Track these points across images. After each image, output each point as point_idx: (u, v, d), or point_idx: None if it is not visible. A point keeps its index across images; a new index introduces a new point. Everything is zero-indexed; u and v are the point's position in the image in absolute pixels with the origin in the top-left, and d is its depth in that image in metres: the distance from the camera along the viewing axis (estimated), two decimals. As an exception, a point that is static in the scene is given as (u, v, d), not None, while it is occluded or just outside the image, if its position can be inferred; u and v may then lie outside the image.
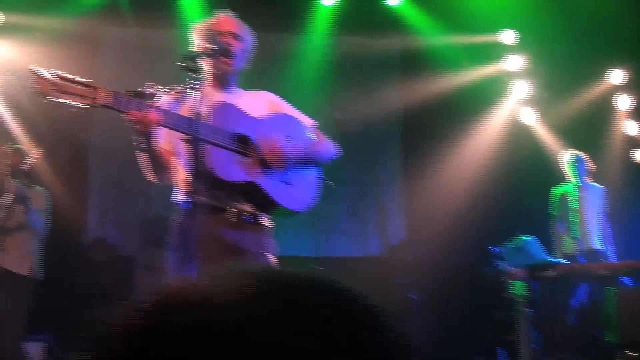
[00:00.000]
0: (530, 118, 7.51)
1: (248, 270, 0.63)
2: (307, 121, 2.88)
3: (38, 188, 4.55)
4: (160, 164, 2.62)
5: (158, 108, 2.41)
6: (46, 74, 2.14)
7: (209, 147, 2.44)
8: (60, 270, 5.87)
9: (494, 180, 6.95)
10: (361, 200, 7.56)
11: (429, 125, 7.45)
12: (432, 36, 7.59)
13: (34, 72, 2.15)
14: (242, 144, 2.59)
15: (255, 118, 2.69)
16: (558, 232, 5.91)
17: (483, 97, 7.54)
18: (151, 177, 2.67)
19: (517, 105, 7.58)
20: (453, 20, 7.51)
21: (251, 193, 2.56)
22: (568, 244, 5.77)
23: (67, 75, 2.21)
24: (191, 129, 2.33)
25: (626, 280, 5.42)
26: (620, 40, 7.02)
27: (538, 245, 5.14)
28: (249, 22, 7.43)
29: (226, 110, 2.60)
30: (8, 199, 4.49)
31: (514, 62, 7.53)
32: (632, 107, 7.44)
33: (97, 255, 6.86)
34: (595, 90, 7.31)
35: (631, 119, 7.42)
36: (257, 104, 2.80)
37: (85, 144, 7.24)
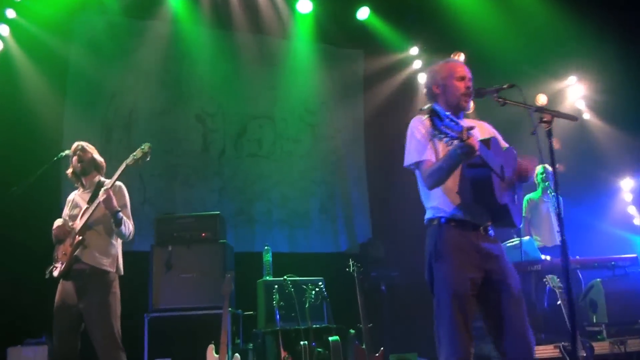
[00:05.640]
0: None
1: None
2: None
3: (117, 184, 4.41)
4: (447, 178, 3.00)
5: (476, 140, 2.75)
6: (441, 113, 2.50)
7: (489, 173, 2.88)
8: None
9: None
10: (330, 200, 8.02)
11: (387, 130, 8.12)
12: (395, 50, 8.29)
13: (433, 112, 2.47)
14: (501, 172, 3.04)
15: (501, 149, 3.16)
16: (526, 232, 6.89)
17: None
18: (433, 183, 3.03)
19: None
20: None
21: (500, 213, 3.03)
22: (536, 242, 6.74)
23: (450, 116, 2.58)
24: (488, 160, 2.83)
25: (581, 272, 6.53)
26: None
27: (534, 245, 6.02)
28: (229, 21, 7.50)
29: (495, 142, 3.06)
30: (88, 196, 4.37)
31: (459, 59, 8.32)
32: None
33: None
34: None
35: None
36: (487, 134, 3.27)
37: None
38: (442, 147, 3.04)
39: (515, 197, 3.22)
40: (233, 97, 7.81)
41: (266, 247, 6.24)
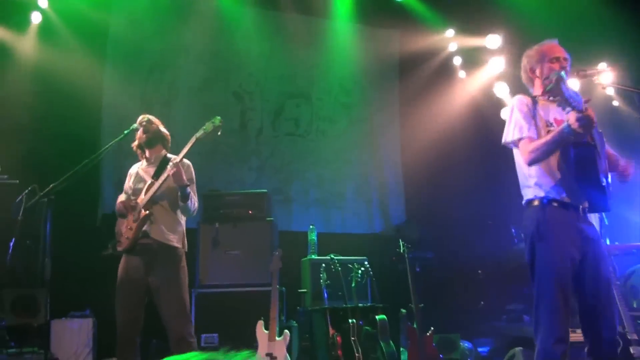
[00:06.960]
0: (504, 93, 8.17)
1: None
2: None
3: (184, 161, 4.38)
4: (551, 154, 3.00)
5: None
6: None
7: (595, 152, 2.89)
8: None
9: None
10: (365, 181, 8.01)
11: (423, 112, 8.11)
12: (431, 31, 8.21)
13: (561, 78, 2.48)
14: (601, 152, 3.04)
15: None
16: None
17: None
18: (535, 158, 3.01)
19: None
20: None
21: (599, 195, 3.02)
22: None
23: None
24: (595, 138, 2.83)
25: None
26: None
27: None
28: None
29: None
30: (153, 170, 4.35)
31: (495, 41, 8.08)
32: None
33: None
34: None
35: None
36: None
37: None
38: (543, 126, 3.05)
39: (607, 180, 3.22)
40: (271, 75, 7.77)
41: (311, 227, 6.24)
